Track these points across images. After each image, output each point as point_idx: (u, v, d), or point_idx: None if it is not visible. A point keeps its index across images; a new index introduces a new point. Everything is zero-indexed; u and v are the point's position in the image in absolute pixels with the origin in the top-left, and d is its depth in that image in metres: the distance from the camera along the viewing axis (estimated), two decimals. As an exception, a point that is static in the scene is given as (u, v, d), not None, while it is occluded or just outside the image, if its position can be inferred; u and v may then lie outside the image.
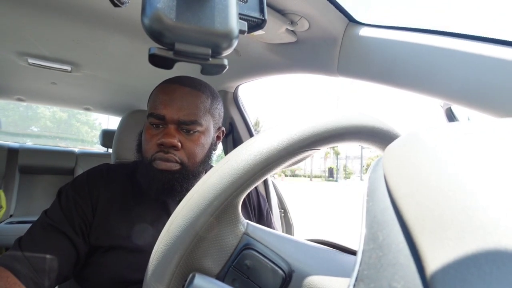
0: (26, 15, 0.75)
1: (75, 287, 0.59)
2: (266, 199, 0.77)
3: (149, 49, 0.19)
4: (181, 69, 1.01)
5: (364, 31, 0.61)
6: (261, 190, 1.15)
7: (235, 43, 0.21)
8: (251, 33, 0.31)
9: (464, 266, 0.10)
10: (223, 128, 0.68)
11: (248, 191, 0.24)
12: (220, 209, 0.24)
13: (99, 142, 2.02)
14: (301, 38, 0.72)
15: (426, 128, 0.16)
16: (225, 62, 0.21)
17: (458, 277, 0.10)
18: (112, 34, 0.84)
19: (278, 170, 0.25)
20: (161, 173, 0.57)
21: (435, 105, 0.62)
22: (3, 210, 1.20)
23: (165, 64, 0.20)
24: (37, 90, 1.55)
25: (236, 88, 1.18)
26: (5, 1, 0.69)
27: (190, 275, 0.24)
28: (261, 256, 0.26)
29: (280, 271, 0.25)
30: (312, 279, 0.25)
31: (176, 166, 0.57)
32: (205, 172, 0.64)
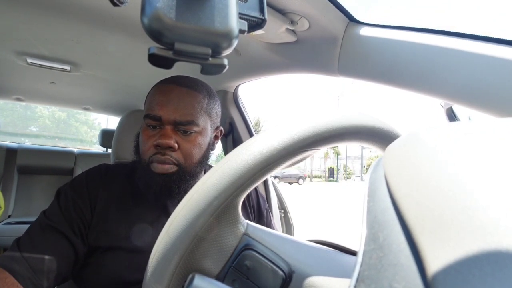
0: (25, 14, 0.75)
1: (74, 288, 0.59)
2: (265, 200, 0.77)
3: (149, 49, 0.19)
4: (181, 68, 1.01)
5: (364, 31, 0.61)
6: (261, 190, 1.15)
7: (235, 43, 0.21)
8: (251, 33, 0.31)
9: (465, 267, 0.10)
10: (221, 128, 0.68)
11: (248, 191, 0.24)
12: (220, 210, 0.24)
13: (98, 142, 2.01)
14: (301, 38, 0.72)
15: (427, 128, 0.16)
16: (225, 61, 0.21)
17: (459, 278, 0.10)
18: (112, 34, 0.84)
19: (278, 170, 0.25)
20: (159, 176, 0.57)
21: (435, 104, 0.62)
22: (2, 210, 1.20)
23: (165, 63, 0.20)
24: (36, 89, 1.55)
25: (236, 88, 1.18)
26: (4, 1, 0.69)
27: (190, 275, 0.24)
28: (261, 257, 0.26)
29: (280, 272, 0.25)
30: (312, 280, 0.25)
31: (173, 169, 0.57)
32: (204, 172, 0.64)
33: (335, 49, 0.66)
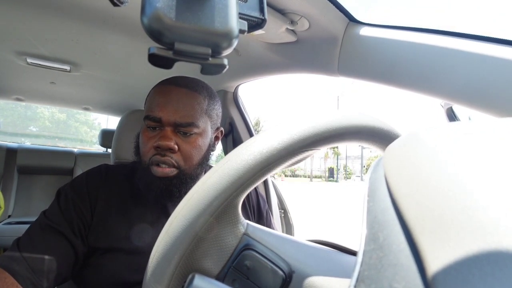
0: (25, 14, 0.75)
1: (74, 288, 0.59)
2: (265, 200, 0.77)
3: (149, 49, 0.19)
4: (181, 68, 1.01)
5: (364, 31, 0.61)
6: (261, 190, 1.15)
7: (235, 43, 0.21)
8: (251, 33, 0.31)
9: (465, 267, 0.10)
10: (222, 128, 0.68)
11: (248, 191, 0.24)
12: (220, 210, 0.24)
13: (98, 142, 2.01)
14: (301, 38, 0.72)
15: (427, 128, 0.16)
16: (225, 61, 0.21)
17: (459, 278, 0.10)
18: (112, 34, 0.84)
19: (278, 170, 0.25)
20: (159, 180, 0.57)
21: (435, 104, 0.62)
22: (1, 210, 1.20)
23: (165, 63, 0.20)
24: (36, 90, 1.55)
25: (236, 88, 1.17)
26: (4, 1, 0.69)
27: (190, 275, 0.24)
28: (261, 257, 0.26)
29: (280, 272, 0.25)
30: (312, 280, 0.25)
31: (173, 172, 0.57)
32: (204, 173, 0.64)
33: (335, 49, 0.66)
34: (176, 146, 0.57)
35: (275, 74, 0.93)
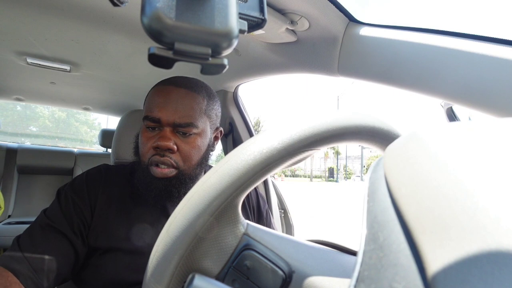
0: (25, 14, 0.75)
1: (74, 288, 0.59)
2: (265, 200, 0.77)
3: (149, 49, 0.19)
4: (181, 68, 1.01)
5: (364, 31, 0.61)
6: (261, 190, 1.15)
7: (235, 43, 0.21)
8: (251, 33, 0.31)
9: (465, 267, 0.10)
10: (221, 128, 0.68)
11: (248, 191, 0.24)
12: (220, 210, 0.24)
13: (98, 142, 2.01)
14: (301, 38, 0.72)
15: (427, 128, 0.16)
16: (225, 61, 0.21)
17: (459, 278, 0.10)
18: (112, 34, 0.84)
19: (278, 170, 0.25)
20: (158, 180, 0.57)
21: (435, 104, 0.62)
22: (2, 210, 1.20)
23: (165, 63, 0.20)
24: (36, 89, 1.55)
25: (236, 88, 1.17)
26: (4, 1, 0.69)
27: (190, 275, 0.24)
28: (261, 257, 0.26)
29: (280, 272, 0.25)
30: (312, 280, 0.25)
31: (172, 173, 0.57)
32: (204, 173, 0.64)
33: (335, 49, 0.66)
34: (175, 147, 0.57)
35: (275, 74, 0.93)
